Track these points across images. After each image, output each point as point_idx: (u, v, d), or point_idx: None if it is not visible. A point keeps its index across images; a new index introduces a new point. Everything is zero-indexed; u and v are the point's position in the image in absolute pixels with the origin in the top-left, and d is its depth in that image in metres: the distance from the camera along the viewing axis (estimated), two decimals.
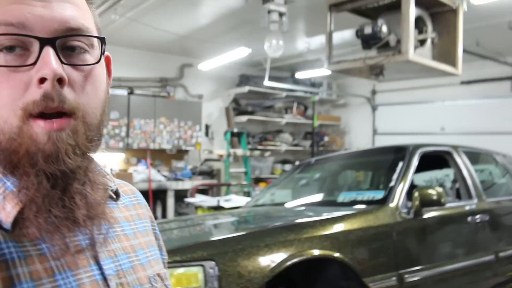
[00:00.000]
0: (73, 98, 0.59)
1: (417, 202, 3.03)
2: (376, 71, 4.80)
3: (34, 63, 0.57)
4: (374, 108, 9.31)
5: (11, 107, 0.56)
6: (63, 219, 0.57)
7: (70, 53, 0.60)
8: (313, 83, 9.14)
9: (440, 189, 3.07)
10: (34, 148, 0.56)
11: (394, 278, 2.79)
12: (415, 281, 2.90)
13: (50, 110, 0.56)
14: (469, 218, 3.46)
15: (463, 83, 7.71)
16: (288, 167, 8.65)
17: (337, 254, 2.57)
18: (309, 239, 2.55)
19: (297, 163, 6.31)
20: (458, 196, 3.92)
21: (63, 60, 0.58)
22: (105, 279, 0.63)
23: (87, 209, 0.60)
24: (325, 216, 2.84)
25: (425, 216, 3.10)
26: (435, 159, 3.99)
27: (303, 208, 3.52)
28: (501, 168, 4.45)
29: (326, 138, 9.55)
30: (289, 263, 2.40)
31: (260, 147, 8.58)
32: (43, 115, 0.57)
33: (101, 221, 0.63)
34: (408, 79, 6.83)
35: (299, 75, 8.30)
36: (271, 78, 7.51)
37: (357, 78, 8.47)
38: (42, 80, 0.56)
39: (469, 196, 3.65)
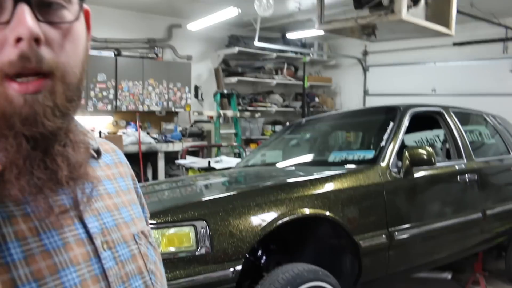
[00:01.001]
0: (51, 57, 0.55)
1: (407, 162, 3.04)
2: (368, 31, 4.72)
3: (8, 22, 0.53)
4: (365, 69, 9.26)
5: None
6: (45, 181, 0.56)
7: (47, 10, 0.56)
8: (304, 44, 9.03)
9: (430, 149, 3.08)
10: (10, 110, 0.53)
11: (384, 236, 2.83)
12: (405, 239, 2.95)
13: (28, 71, 0.53)
14: (458, 178, 3.49)
15: (455, 44, 7.66)
16: (278, 128, 8.64)
17: (328, 213, 2.59)
18: (300, 198, 2.55)
19: (287, 123, 6.28)
20: (448, 156, 3.95)
21: (39, 17, 0.55)
22: (90, 237, 0.62)
23: (69, 170, 0.58)
24: (316, 175, 2.84)
25: (415, 175, 3.12)
26: (426, 120, 3.99)
27: (293, 168, 3.53)
28: (490, 128, 4.47)
29: (317, 99, 9.52)
30: (280, 222, 2.41)
31: (250, 108, 8.54)
32: (19, 76, 0.53)
33: (84, 181, 0.62)
34: (400, 40, 6.77)
35: (289, 35, 8.18)
36: (261, 39, 7.40)
37: (349, 39, 8.36)
38: (18, 40, 0.52)
39: (459, 156, 3.68)
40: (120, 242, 0.67)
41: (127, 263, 0.67)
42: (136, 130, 6.89)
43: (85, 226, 0.62)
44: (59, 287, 0.56)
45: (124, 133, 6.97)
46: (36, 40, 0.53)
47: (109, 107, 6.96)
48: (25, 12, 0.53)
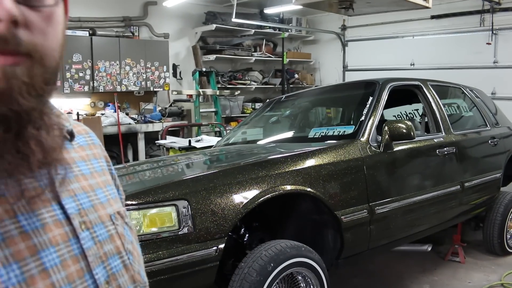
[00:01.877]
0: (30, 40, 0.54)
1: (386, 136, 3.06)
2: (346, 5, 4.70)
3: None
4: (344, 44, 9.24)
5: None
6: (16, 165, 0.54)
7: None
8: (282, 20, 8.95)
9: (409, 123, 3.09)
10: None
11: (365, 210, 2.85)
12: (385, 212, 2.98)
13: (5, 51, 0.52)
14: (437, 151, 3.53)
15: (433, 17, 7.67)
16: (258, 105, 8.60)
17: (309, 189, 2.59)
18: (281, 174, 2.55)
19: (267, 101, 6.28)
20: (427, 130, 3.99)
21: None
22: (67, 218, 0.62)
23: (42, 155, 0.57)
24: (297, 151, 2.84)
25: (395, 149, 3.14)
26: (405, 94, 4.01)
27: (274, 145, 3.52)
28: (468, 101, 4.52)
29: (296, 76, 9.49)
30: (261, 199, 2.41)
31: (229, 86, 8.48)
32: None
33: (57, 165, 0.61)
34: (378, 13, 6.74)
35: (267, 11, 8.09)
36: (239, 15, 7.31)
37: (327, 14, 8.34)
38: None
39: (438, 129, 3.71)
40: (98, 223, 0.68)
41: (105, 243, 0.68)
42: (115, 111, 6.78)
43: (62, 207, 0.62)
44: (40, 267, 0.56)
45: (102, 114, 6.86)
46: (15, 22, 0.52)
47: (86, 88, 6.83)
48: None
